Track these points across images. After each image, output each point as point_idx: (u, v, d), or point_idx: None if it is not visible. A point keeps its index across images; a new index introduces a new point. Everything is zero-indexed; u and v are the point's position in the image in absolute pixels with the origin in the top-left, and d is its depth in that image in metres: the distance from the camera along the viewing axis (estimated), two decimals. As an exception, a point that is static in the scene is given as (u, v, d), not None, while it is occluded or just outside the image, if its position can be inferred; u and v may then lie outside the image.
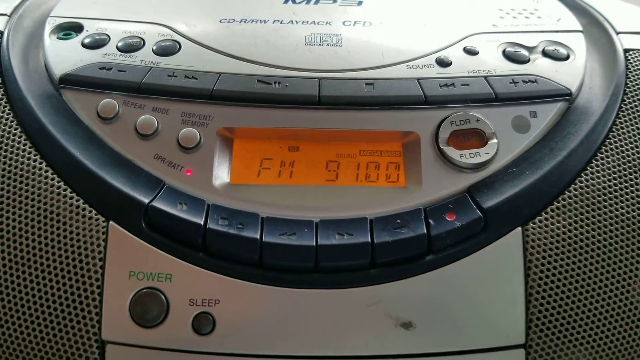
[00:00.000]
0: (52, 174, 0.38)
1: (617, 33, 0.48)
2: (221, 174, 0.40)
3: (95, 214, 0.37)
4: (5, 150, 0.39)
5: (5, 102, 0.41)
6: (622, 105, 0.43)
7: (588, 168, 0.40)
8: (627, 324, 0.38)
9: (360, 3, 0.51)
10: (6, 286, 0.37)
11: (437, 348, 0.37)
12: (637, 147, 0.41)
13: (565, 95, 0.43)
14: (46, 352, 0.37)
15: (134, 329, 0.36)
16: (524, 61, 0.45)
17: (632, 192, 0.40)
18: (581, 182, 0.40)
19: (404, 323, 0.37)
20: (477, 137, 0.41)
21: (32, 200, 0.38)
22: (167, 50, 0.44)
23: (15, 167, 0.39)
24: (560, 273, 0.37)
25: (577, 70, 0.45)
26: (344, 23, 0.48)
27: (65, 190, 0.38)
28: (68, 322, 0.36)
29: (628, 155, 0.41)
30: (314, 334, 0.36)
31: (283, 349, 0.36)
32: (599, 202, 0.39)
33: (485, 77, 0.43)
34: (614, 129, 0.42)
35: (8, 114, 0.41)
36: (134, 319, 0.36)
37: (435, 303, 0.37)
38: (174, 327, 0.36)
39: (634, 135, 0.42)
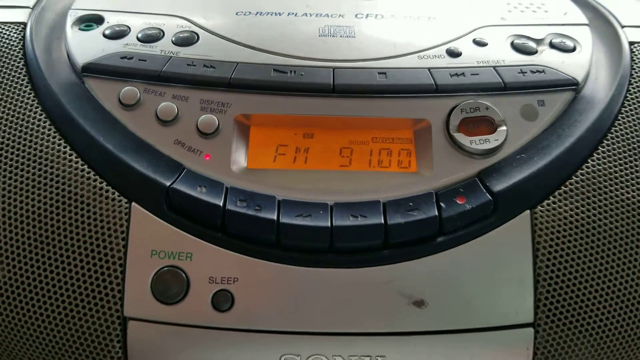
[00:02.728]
0: (76, 158, 0.40)
1: (622, 27, 0.50)
2: (239, 159, 0.41)
3: (118, 196, 0.39)
4: (31, 136, 0.41)
5: (30, 90, 0.43)
6: (627, 95, 0.44)
7: (595, 154, 0.41)
8: (637, 308, 0.39)
9: (371, -3, 0.53)
10: (31, 265, 0.38)
11: (448, 326, 0.38)
12: (642, 134, 0.42)
13: (572, 85, 0.44)
14: (69, 329, 0.38)
15: (155, 306, 0.38)
16: (531, 52, 0.46)
17: (638, 177, 0.41)
18: (588, 167, 0.41)
19: (416, 301, 0.38)
20: (486, 125, 0.42)
21: (57, 182, 0.39)
22: (186, 41, 0.45)
23: (41, 152, 0.40)
24: (567, 254, 0.39)
25: (583, 61, 0.46)
26: (356, 16, 0.49)
27: (89, 173, 0.39)
28: (91, 300, 0.38)
29: (634, 143, 0.42)
30: (329, 311, 0.38)
31: (298, 326, 0.38)
32: (606, 186, 0.40)
33: (494, 67, 0.44)
34: (619, 118, 0.43)
35: (33, 101, 0.42)
36: (155, 296, 0.38)
37: (447, 282, 0.38)
38: (194, 304, 0.37)
39: (640, 123, 0.43)
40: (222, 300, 0.37)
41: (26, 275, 0.38)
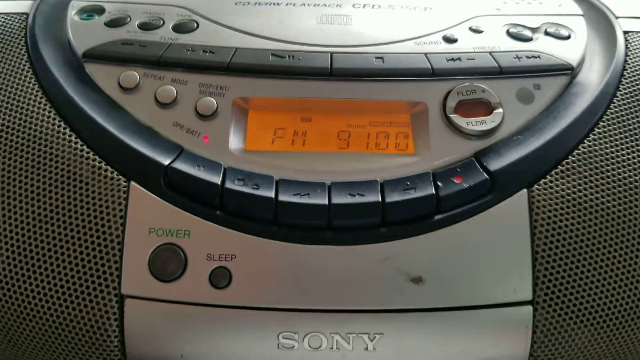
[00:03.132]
0: (75, 138, 0.40)
1: (617, 17, 0.50)
2: (237, 141, 0.42)
3: (117, 175, 0.39)
4: (31, 117, 0.41)
5: (31, 75, 0.43)
6: (622, 79, 0.45)
7: (591, 135, 0.42)
8: (635, 286, 0.39)
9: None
10: (29, 243, 0.38)
11: (446, 303, 0.38)
12: (638, 117, 0.43)
13: (567, 70, 0.44)
14: (67, 307, 0.38)
15: (152, 283, 0.37)
16: (527, 40, 0.47)
17: (633, 157, 0.41)
18: (584, 147, 0.41)
19: (414, 278, 0.38)
20: (483, 107, 0.42)
21: (56, 162, 0.39)
22: (185, 28, 0.46)
23: (40, 132, 0.40)
24: (565, 232, 0.39)
25: (578, 48, 0.46)
26: (353, 5, 0.50)
27: (88, 152, 0.40)
28: (89, 277, 0.38)
29: (629, 124, 0.42)
30: (327, 288, 0.38)
31: (296, 303, 0.38)
32: (602, 166, 0.40)
33: (490, 52, 0.45)
34: (614, 101, 0.43)
35: (34, 85, 0.43)
36: (153, 273, 0.38)
37: (445, 260, 0.38)
38: (191, 281, 0.37)
39: (636, 107, 0.43)
40: (220, 278, 0.37)
41: (24, 253, 0.38)
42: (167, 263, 0.38)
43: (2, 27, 0.46)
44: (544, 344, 0.38)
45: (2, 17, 0.48)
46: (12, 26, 0.47)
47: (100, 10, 0.48)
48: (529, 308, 0.38)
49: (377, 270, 0.38)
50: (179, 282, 0.38)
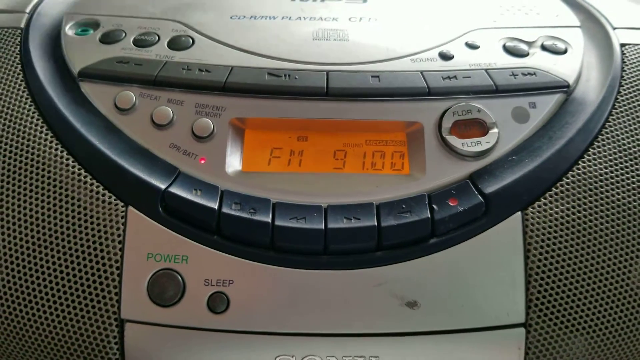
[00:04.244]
0: (72, 162, 0.40)
1: (614, 28, 0.50)
2: (233, 162, 0.42)
3: (115, 200, 0.39)
4: (28, 140, 0.41)
5: (27, 95, 0.43)
6: (618, 96, 0.45)
7: (585, 156, 0.42)
8: (627, 308, 0.39)
9: (365, 1, 0.53)
10: (29, 268, 0.39)
11: (441, 326, 0.38)
12: (633, 136, 0.43)
13: (563, 87, 0.45)
14: (67, 331, 0.39)
15: (151, 308, 0.38)
16: (523, 55, 0.47)
17: (628, 178, 0.41)
18: (579, 169, 0.41)
19: (409, 302, 0.38)
20: (478, 127, 0.43)
21: (54, 187, 0.40)
22: (181, 45, 0.46)
23: (38, 156, 0.41)
24: (559, 256, 0.39)
25: (574, 63, 0.46)
26: (349, 19, 0.50)
27: (85, 177, 0.40)
28: (89, 302, 0.38)
29: (625, 144, 0.42)
30: (323, 312, 0.38)
31: (293, 327, 0.38)
32: (597, 188, 0.41)
33: (486, 69, 0.45)
34: (610, 119, 0.44)
35: (30, 106, 0.43)
36: (151, 298, 0.38)
37: (439, 283, 0.39)
38: (190, 306, 0.38)
39: (630, 125, 0.43)
40: (218, 302, 0.38)
41: (24, 278, 0.39)
42: (166, 288, 0.38)
43: (-3, 43, 0.46)
44: (536, 364, 0.39)
45: (-4, 32, 0.47)
46: (7, 42, 0.46)
47: (95, 25, 0.48)
48: (522, 330, 0.39)
49: (373, 294, 0.38)
50: (177, 307, 0.38)
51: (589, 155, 0.42)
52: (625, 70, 0.47)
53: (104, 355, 0.39)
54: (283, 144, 0.43)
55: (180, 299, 0.38)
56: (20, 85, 0.44)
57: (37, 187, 0.40)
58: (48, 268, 0.39)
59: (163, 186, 0.40)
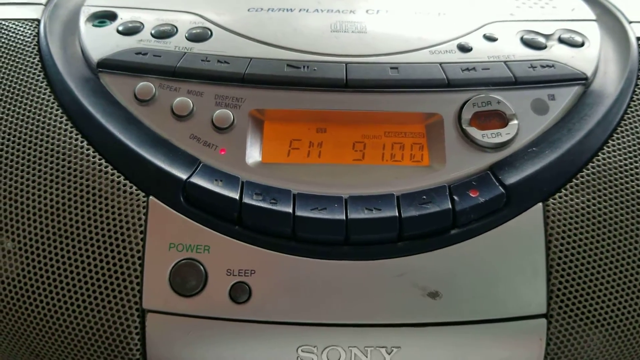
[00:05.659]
0: (93, 152, 0.40)
1: (630, 22, 0.50)
2: (253, 153, 0.42)
3: (136, 190, 0.39)
4: (48, 131, 0.41)
5: (46, 85, 0.43)
6: (636, 89, 0.45)
7: (605, 147, 0.42)
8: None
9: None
10: (50, 258, 0.39)
11: (462, 317, 0.38)
12: (651, 126, 0.43)
13: (581, 80, 0.45)
14: (89, 321, 0.39)
15: (173, 298, 0.38)
16: (541, 47, 0.47)
17: (647, 170, 0.41)
18: (599, 160, 0.41)
19: (431, 293, 0.38)
20: (498, 118, 0.43)
21: (75, 177, 0.40)
22: (199, 36, 0.46)
23: (58, 147, 0.41)
24: (579, 247, 0.39)
25: (592, 56, 0.46)
26: (367, 11, 0.50)
27: (106, 167, 0.40)
28: (110, 292, 0.38)
29: (643, 135, 0.43)
30: (344, 303, 0.38)
31: (315, 317, 0.38)
32: (617, 179, 0.41)
33: (505, 62, 0.45)
34: (628, 111, 0.44)
35: (49, 96, 0.43)
36: (173, 288, 0.38)
37: (460, 274, 0.38)
38: (211, 296, 0.38)
39: (649, 117, 0.44)
40: (240, 293, 0.38)
41: (45, 269, 0.39)
42: (188, 278, 0.38)
43: (15, 35, 0.46)
44: (557, 355, 0.39)
45: (14, 24, 0.47)
46: (24, 34, 0.46)
47: (112, 16, 0.48)
48: (543, 321, 0.39)
49: (394, 285, 0.38)
50: (199, 297, 0.38)
51: (608, 147, 0.42)
52: (642, 63, 0.47)
53: (125, 346, 0.39)
54: (302, 135, 0.43)
55: (202, 289, 0.38)
56: (39, 76, 0.44)
57: (57, 177, 0.40)
58: (69, 259, 0.38)
59: (184, 176, 0.40)
